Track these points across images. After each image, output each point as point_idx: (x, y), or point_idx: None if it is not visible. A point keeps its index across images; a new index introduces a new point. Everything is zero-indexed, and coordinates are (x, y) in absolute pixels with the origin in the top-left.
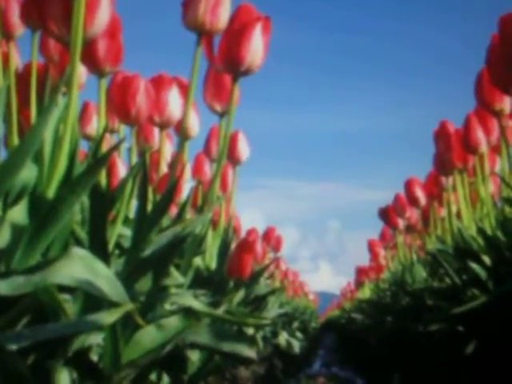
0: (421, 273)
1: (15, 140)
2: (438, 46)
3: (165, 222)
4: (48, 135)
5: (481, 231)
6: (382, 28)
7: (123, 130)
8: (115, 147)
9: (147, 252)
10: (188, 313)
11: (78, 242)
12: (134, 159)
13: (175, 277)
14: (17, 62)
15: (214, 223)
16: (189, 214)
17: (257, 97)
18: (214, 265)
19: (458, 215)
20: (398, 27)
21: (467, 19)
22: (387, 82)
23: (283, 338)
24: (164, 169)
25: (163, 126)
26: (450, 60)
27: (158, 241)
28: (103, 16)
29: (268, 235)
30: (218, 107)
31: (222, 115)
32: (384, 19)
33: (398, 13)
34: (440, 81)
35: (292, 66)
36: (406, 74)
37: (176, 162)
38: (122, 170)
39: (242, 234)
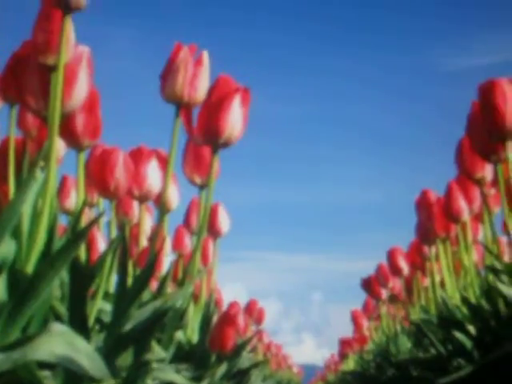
0: (405, 343)
1: None
2: (416, 115)
3: (145, 296)
4: (26, 210)
5: (465, 300)
6: (360, 96)
7: (102, 203)
8: (94, 221)
9: (128, 327)
10: None
11: (58, 318)
12: (114, 233)
13: (156, 351)
14: None
15: (195, 297)
16: (169, 288)
17: (235, 170)
18: (195, 339)
19: (442, 284)
20: (374, 95)
21: (445, 87)
22: (365, 153)
23: None
24: (144, 242)
25: (142, 199)
26: (430, 128)
27: (138, 315)
28: (81, 90)
29: (250, 308)
30: (198, 179)
31: (201, 187)
32: (361, 87)
33: (375, 81)
34: (420, 150)
35: (269, 136)
36: (384, 143)
37: (156, 235)
38: (101, 244)
39: (224, 307)
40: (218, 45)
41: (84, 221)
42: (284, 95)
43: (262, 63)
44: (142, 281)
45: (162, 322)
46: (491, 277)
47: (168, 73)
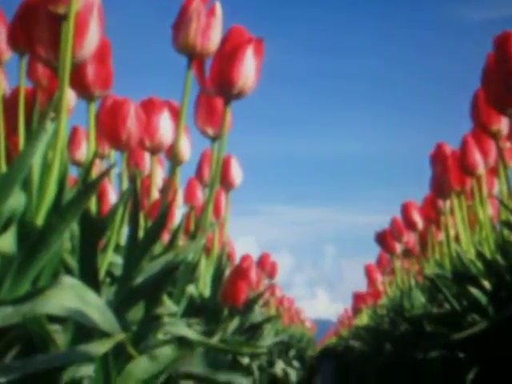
0: (419, 298)
1: (3, 167)
2: (435, 67)
3: (157, 249)
4: (36, 162)
5: (480, 255)
6: (379, 51)
7: (113, 155)
8: (105, 173)
9: (139, 280)
10: (181, 342)
11: (68, 271)
12: (125, 185)
13: (168, 305)
14: (4, 87)
15: (207, 250)
16: (181, 241)
17: (250, 119)
18: (207, 293)
19: (457, 239)
20: (394, 51)
21: (462, 39)
22: (383, 105)
23: (279, 367)
24: (155, 194)
25: (154, 151)
26: (449, 80)
27: (149, 268)
28: (92, 40)
29: (262, 262)
30: (210, 131)
31: (214, 139)
32: (381, 43)
33: (394, 36)
34: (438, 102)
35: (287, 87)
36: (402, 95)
37: (168, 188)
38: (112, 197)
39: (236, 260)
40: None
41: (95, 172)
42: (305, 48)
43: (276, 16)
44: (154, 233)
45: (174, 275)
46: (506, 231)
47: (180, 23)
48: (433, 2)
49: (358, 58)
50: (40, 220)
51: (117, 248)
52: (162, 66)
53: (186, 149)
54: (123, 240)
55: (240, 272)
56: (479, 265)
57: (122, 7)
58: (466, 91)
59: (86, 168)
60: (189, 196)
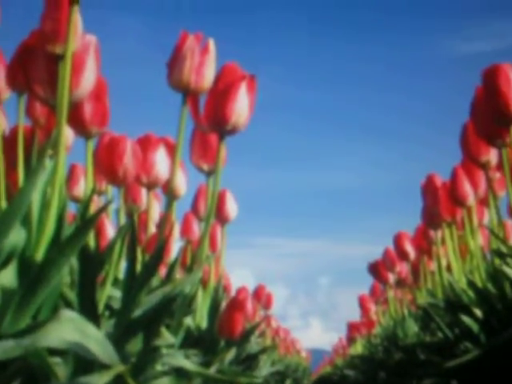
0: (412, 327)
1: (3, 203)
2: (428, 95)
3: (154, 282)
4: (36, 198)
5: (471, 284)
6: (371, 79)
7: (111, 191)
8: (103, 208)
9: (137, 313)
10: (180, 373)
11: (68, 304)
12: (123, 220)
13: (166, 337)
14: (3, 125)
15: (204, 282)
16: (178, 274)
17: (243, 153)
18: (204, 324)
19: (448, 268)
20: (387, 78)
21: (455, 68)
22: (375, 134)
23: None
24: (152, 229)
25: (151, 186)
26: (441, 108)
27: (147, 301)
28: (89, 79)
29: (258, 293)
30: (205, 166)
31: (208, 174)
32: (374, 71)
33: (388, 65)
34: (431, 129)
35: (281, 117)
36: (395, 123)
37: (164, 222)
38: (110, 231)
39: (232, 292)
40: (226, 27)
41: (93, 208)
42: (294, 78)
43: (268, 45)
44: (151, 267)
45: (171, 307)
46: (497, 260)
47: (175, 61)
48: (425, 31)
49: (348, 85)
50: (40, 255)
51: (115, 282)
52: (158, 103)
53: (181, 184)
54: (121, 274)
55: (236, 304)
56: (471, 293)
57: (118, 39)
58: (458, 119)
59: (85, 204)
60: (185, 230)
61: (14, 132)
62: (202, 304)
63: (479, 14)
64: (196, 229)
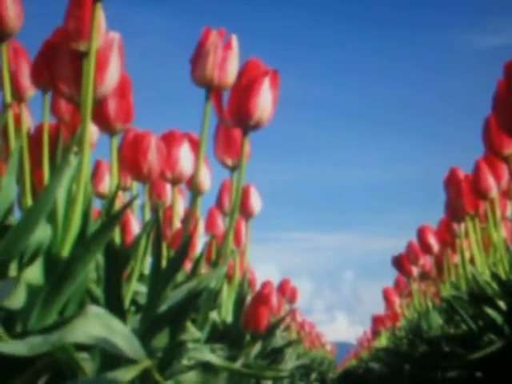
0: (437, 320)
1: (29, 201)
2: (449, 90)
3: (180, 277)
4: (61, 195)
5: (495, 276)
6: (392, 73)
7: (136, 187)
8: (128, 204)
9: (163, 308)
10: (206, 367)
11: (94, 300)
12: (148, 216)
13: (192, 332)
14: (28, 123)
15: (229, 277)
16: (203, 269)
17: (268, 146)
18: (229, 318)
19: (472, 261)
20: (408, 73)
21: (477, 61)
22: (398, 129)
23: None
24: (177, 224)
25: (175, 182)
26: (462, 103)
27: (173, 296)
28: (113, 76)
29: (283, 287)
30: (229, 161)
31: (233, 169)
32: (395, 66)
33: (408, 60)
34: (453, 125)
35: (305, 113)
36: (417, 119)
37: (189, 218)
38: (135, 227)
39: (257, 286)
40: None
41: (118, 204)
42: (320, 74)
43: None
44: (176, 262)
45: (197, 302)
46: None
47: (198, 57)
48: (446, 26)
49: (371, 81)
50: (66, 251)
51: (141, 277)
52: (182, 94)
53: (206, 179)
54: (147, 269)
55: (261, 298)
56: (494, 286)
57: (141, 35)
58: (479, 115)
59: (110, 200)
60: (210, 225)
61: (39, 129)
62: (227, 298)
63: (497, 8)
64: (221, 224)
